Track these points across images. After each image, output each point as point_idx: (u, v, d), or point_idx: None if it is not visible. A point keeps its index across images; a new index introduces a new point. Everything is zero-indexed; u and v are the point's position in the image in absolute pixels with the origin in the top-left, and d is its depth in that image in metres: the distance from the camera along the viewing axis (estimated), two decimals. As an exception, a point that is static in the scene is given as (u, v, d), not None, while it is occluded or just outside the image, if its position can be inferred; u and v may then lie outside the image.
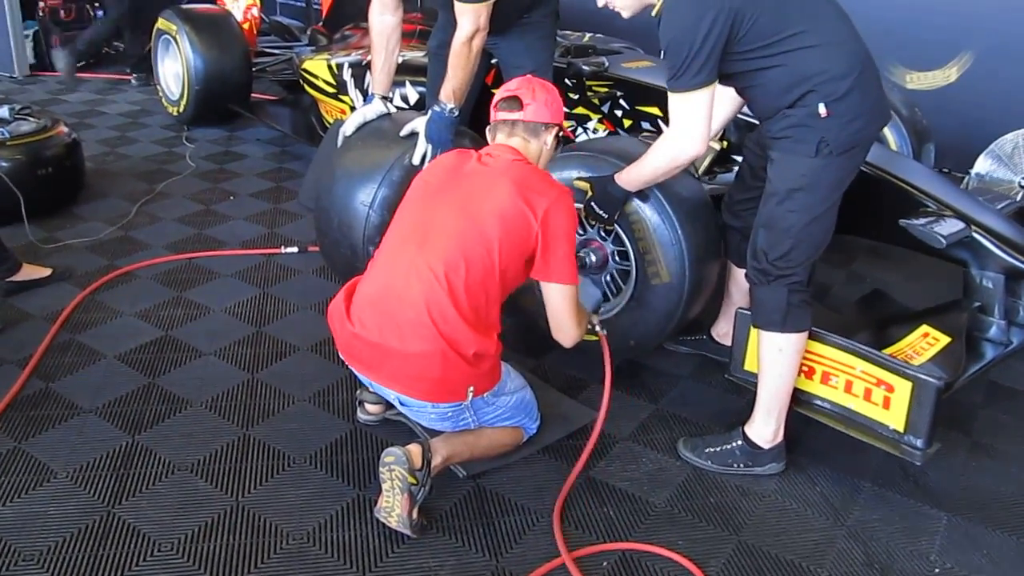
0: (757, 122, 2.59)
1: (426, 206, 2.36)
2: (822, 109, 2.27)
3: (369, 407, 2.64)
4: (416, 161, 2.93)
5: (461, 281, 2.20)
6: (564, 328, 2.41)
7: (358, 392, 2.66)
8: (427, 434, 2.46)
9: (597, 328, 2.63)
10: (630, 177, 2.57)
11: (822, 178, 2.34)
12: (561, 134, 2.52)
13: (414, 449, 2.19)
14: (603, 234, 2.86)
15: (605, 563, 2.18)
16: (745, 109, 2.74)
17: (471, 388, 2.26)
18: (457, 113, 2.96)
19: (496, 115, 2.44)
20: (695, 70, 2.23)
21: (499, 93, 2.46)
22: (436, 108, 2.95)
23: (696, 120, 2.31)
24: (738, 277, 2.86)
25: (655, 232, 2.68)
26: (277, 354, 3.00)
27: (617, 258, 2.84)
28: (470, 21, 2.91)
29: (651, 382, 2.95)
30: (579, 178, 2.72)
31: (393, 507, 2.16)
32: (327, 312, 2.41)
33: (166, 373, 2.88)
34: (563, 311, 2.37)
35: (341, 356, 2.39)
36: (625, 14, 2.47)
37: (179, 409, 2.69)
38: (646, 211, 2.68)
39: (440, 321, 2.18)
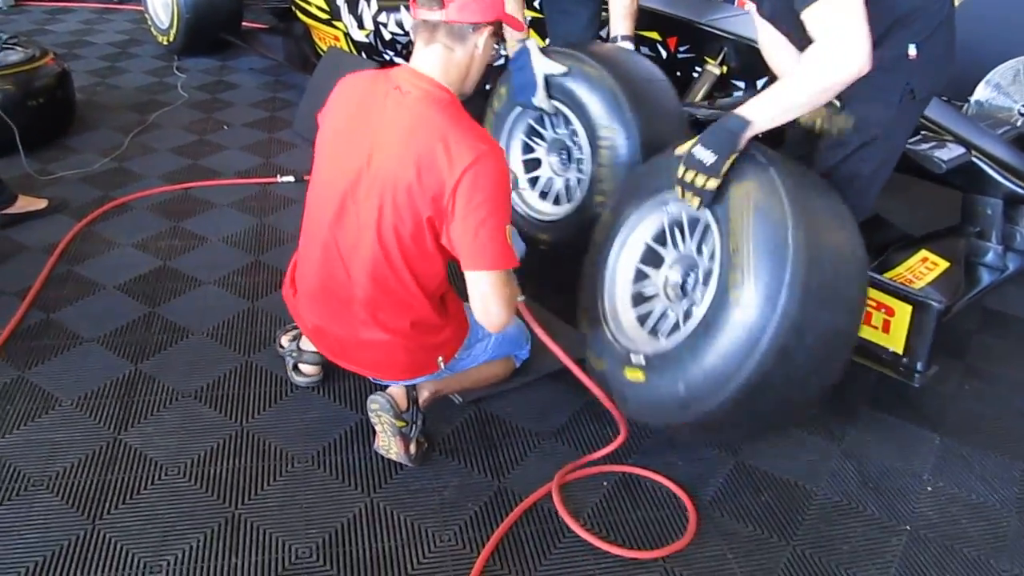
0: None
1: (340, 162, 2.06)
2: (912, 50, 2.06)
3: (304, 368, 2.50)
4: None
5: (407, 254, 2.01)
6: (492, 313, 2.02)
7: (292, 350, 2.52)
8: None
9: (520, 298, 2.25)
10: (762, 105, 1.95)
11: (900, 127, 2.20)
12: (502, 29, 2.16)
13: (397, 392, 2.18)
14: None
15: (605, 483, 2.22)
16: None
17: (440, 358, 2.23)
18: None
19: (415, 12, 1.99)
20: None
21: None
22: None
23: (857, 25, 1.85)
24: None
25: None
26: (275, 283, 3.00)
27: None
28: None
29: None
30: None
31: (390, 446, 2.19)
32: (283, 284, 2.39)
33: (166, 303, 2.88)
34: (495, 299, 2.00)
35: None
36: None
37: (181, 338, 2.71)
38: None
39: (382, 316, 2.09)
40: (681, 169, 2.00)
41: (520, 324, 2.47)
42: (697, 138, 2.00)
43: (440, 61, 2.00)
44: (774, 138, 2.90)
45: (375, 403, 2.17)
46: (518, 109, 2.94)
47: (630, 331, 2.27)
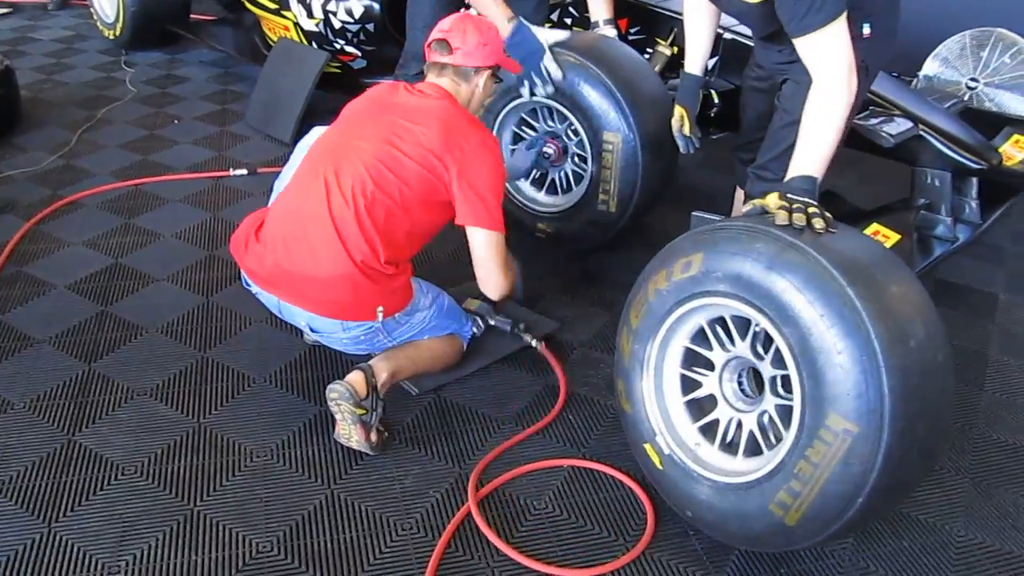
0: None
1: (348, 132, 2.33)
2: (866, 29, 2.15)
3: None
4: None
5: (372, 203, 2.19)
6: (491, 276, 2.38)
7: None
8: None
9: (532, 343, 2.59)
10: (817, 163, 2.00)
11: (854, 102, 2.28)
12: (499, 72, 2.47)
13: (356, 379, 2.19)
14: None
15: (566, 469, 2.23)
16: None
17: (380, 308, 2.25)
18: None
19: (429, 56, 2.39)
20: None
21: (433, 33, 2.38)
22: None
23: (849, 51, 2.00)
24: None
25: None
26: (231, 277, 2.97)
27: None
28: None
29: (607, 292, 2.97)
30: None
31: (351, 434, 2.19)
32: (232, 237, 2.38)
33: (119, 300, 2.84)
34: (491, 259, 2.34)
35: (248, 281, 2.35)
36: None
37: (134, 335, 2.67)
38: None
39: (350, 242, 2.17)
40: (785, 215, 1.82)
41: (454, 303, 2.50)
42: (780, 195, 1.91)
43: (449, 89, 2.36)
44: (732, 122, 2.94)
45: (334, 391, 2.16)
46: (509, 104, 2.96)
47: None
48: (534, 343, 2.58)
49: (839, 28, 1.98)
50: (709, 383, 2.03)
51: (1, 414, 2.32)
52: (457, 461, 2.23)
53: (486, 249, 2.33)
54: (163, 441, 2.25)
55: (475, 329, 2.56)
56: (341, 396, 2.15)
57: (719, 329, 1.97)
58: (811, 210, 1.82)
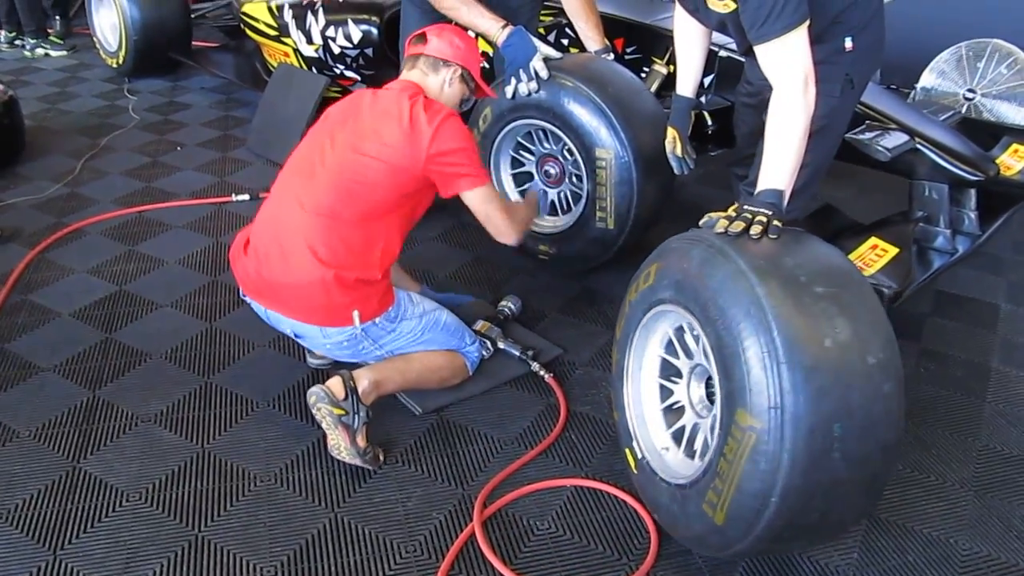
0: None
1: (319, 141, 2.39)
2: (848, 43, 2.18)
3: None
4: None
5: (346, 210, 2.27)
6: (499, 226, 2.46)
7: None
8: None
9: (541, 373, 2.60)
10: (781, 175, 2.02)
11: (841, 116, 2.30)
12: (472, 86, 2.50)
13: (333, 382, 2.22)
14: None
15: (569, 486, 2.24)
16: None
17: (356, 312, 2.29)
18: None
19: (407, 49, 2.49)
20: (795, 2, 1.97)
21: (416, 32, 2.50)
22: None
23: (808, 61, 2.00)
24: None
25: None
26: (234, 302, 2.98)
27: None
28: None
29: (608, 309, 2.98)
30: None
31: (338, 442, 2.20)
32: (230, 251, 2.47)
33: (123, 327, 2.86)
34: (490, 210, 2.43)
35: (243, 294, 2.44)
36: None
37: (139, 362, 2.68)
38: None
39: (319, 249, 2.24)
40: (724, 223, 1.89)
41: (455, 320, 2.51)
42: (736, 206, 1.98)
43: (418, 80, 2.43)
44: (730, 138, 2.96)
45: (312, 396, 2.20)
46: (504, 129, 2.98)
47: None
48: (542, 372, 2.59)
49: (797, 38, 2.00)
50: (679, 391, 2.08)
51: (7, 443, 2.33)
52: (460, 482, 2.23)
53: (483, 204, 2.41)
54: (167, 467, 2.26)
55: (484, 352, 2.57)
56: (319, 399, 2.19)
57: (685, 337, 2.02)
58: (759, 219, 1.87)
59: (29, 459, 2.28)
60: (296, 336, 2.42)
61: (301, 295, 2.27)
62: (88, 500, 2.15)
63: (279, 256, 2.29)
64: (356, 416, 2.21)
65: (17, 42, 5.95)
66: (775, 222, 1.89)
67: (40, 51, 5.84)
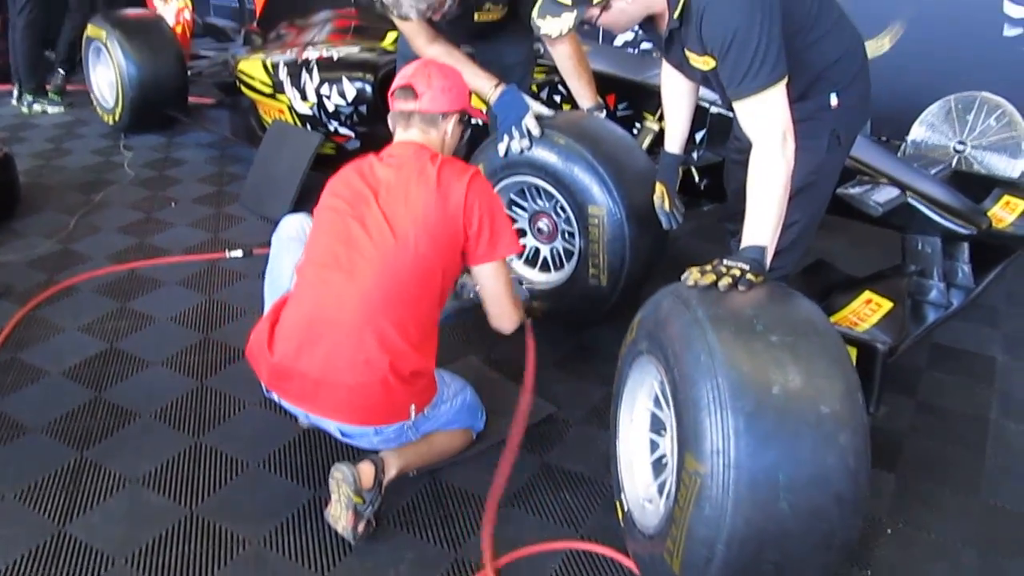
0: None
1: (345, 225, 2.23)
2: (833, 99, 2.21)
3: None
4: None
5: (401, 304, 2.15)
6: (506, 308, 2.38)
7: None
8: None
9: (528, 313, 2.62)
10: (764, 232, 2.02)
11: (829, 172, 2.32)
12: (468, 118, 2.44)
13: (365, 469, 2.15)
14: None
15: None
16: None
17: (413, 406, 2.21)
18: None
19: (393, 105, 2.34)
20: (772, 60, 1.98)
21: (396, 81, 2.36)
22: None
23: (786, 117, 2.02)
24: None
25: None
26: (225, 359, 2.96)
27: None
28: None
29: (602, 365, 2.95)
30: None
31: (340, 517, 2.14)
32: (247, 347, 2.33)
33: (113, 386, 2.83)
34: (502, 289, 2.35)
35: (268, 391, 2.31)
36: (617, 30, 2.29)
37: (128, 421, 2.65)
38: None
39: (378, 345, 2.12)
40: (696, 276, 1.92)
41: (475, 398, 2.47)
42: (715, 261, 1.99)
43: (418, 140, 2.31)
44: (719, 194, 2.97)
45: (339, 472, 2.13)
46: (497, 185, 2.97)
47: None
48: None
49: (774, 95, 2.01)
50: (664, 444, 2.06)
51: (-9, 506, 2.30)
52: (453, 546, 2.19)
53: (499, 280, 2.33)
54: (155, 531, 2.22)
55: (471, 294, 2.57)
56: (344, 479, 2.12)
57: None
58: (732, 272, 1.90)
59: (14, 522, 2.24)
60: (343, 435, 2.29)
61: (358, 396, 2.14)
62: (73, 566, 2.10)
63: (329, 357, 2.13)
64: (370, 507, 2.16)
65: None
66: (748, 276, 1.90)
67: (37, 107, 5.88)
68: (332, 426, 2.25)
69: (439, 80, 2.31)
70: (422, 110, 2.30)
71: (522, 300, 2.60)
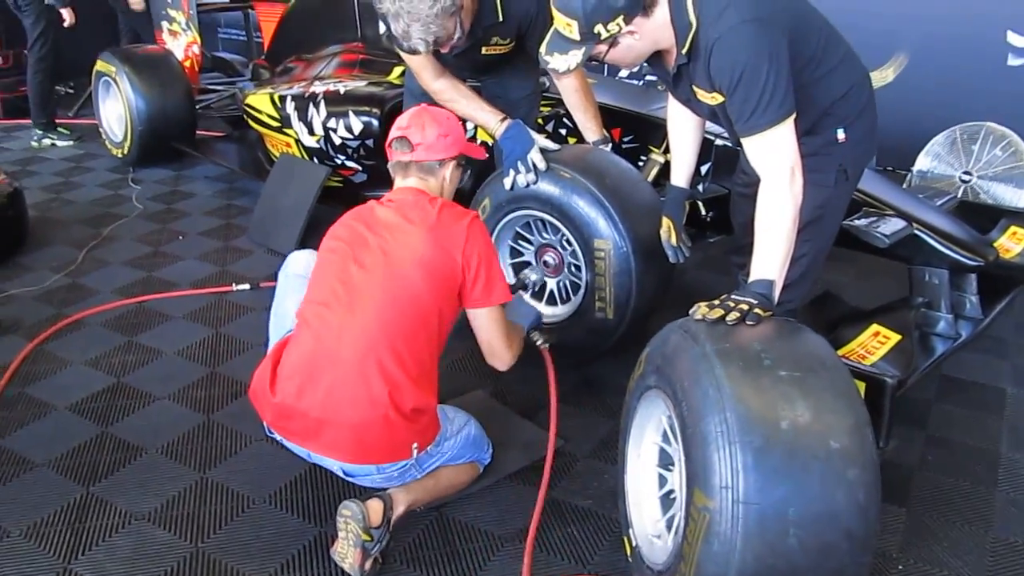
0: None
1: (343, 266, 2.25)
2: (840, 134, 2.22)
3: None
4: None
5: (398, 336, 2.15)
6: (499, 350, 2.39)
7: None
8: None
9: (539, 343, 2.67)
10: (772, 266, 2.02)
11: (836, 205, 2.32)
12: (466, 160, 2.46)
13: (374, 506, 2.15)
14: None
15: (572, 584, 2.18)
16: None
17: (415, 444, 2.19)
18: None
19: (390, 155, 2.39)
20: (780, 97, 1.99)
21: (392, 131, 2.38)
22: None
23: (794, 153, 2.03)
24: None
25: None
26: (232, 394, 2.96)
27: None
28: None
29: (610, 398, 2.95)
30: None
31: (347, 555, 2.13)
32: (250, 388, 2.31)
33: (119, 421, 2.82)
34: (497, 334, 2.35)
35: (271, 431, 2.30)
36: (625, 66, 2.30)
37: (134, 457, 2.64)
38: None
39: (379, 382, 2.11)
40: (704, 311, 1.92)
41: (480, 431, 2.46)
42: (723, 296, 1.99)
43: (418, 187, 2.35)
44: (725, 226, 2.98)
45: (348, 509, 2.12)
46: (503, 219, 2.99)
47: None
48: (539, 342, 2.68)
49: (783, 131, 2.02)
50: (673, 479, 2.05)
51: (-3, 543, 2.29)
52: (459, 582, 2.18)
53: (493, 325, 2.34)
54: (159, 568, 2.21)
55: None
56: (353, 516, 2.11)
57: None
58: (739, 306, 1.90)
59: (19, 561, 2.23)
60: (346, 475, 2.29)
61: (358, 435, 2.13)
62: (78, 604, 2.10)
63: (330, 395, 2.12)
64: (379, 544, 2.15)
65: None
66: (756, 310, 1.90)
67: (47, 142, 5.93)
68: (335, 465, 2.24)
69: (433, 128, 2.34)
70: (418, 160, 2.34)
71: (527, 332, 2.62)
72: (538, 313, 2.73)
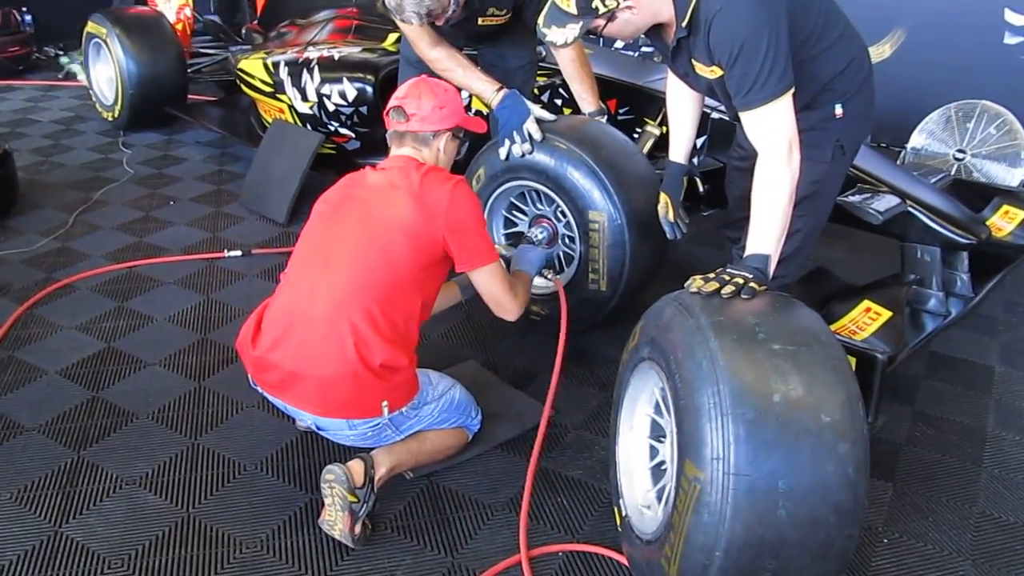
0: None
1: (327, 226, 2.32)
2: (838, 109, 2.22)
3: None
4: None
5: (370, 295, 2.17)
6: (503, 304, 2.42)
7: None
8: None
9: (548, 276, 2.80)
10: (767, 241, 2.04)
11: (832, 181, 2.33)
12: (463, 133, 2.47)
13: (355, 467, 2.16)
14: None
15: (560, 552, 2.20)
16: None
17: (385, 403, 2.20)
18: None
19: (387, 124, 2.42)
20: (780, 71, 1.99)
21: (391, 100, 2.41)
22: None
23: (792, 128, 2.03)
24: None
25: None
26: (223, 360, 2.96)
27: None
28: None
29: (601, 370, 2.96)
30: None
31: (336, 521, 2.14)
32: (236, 340, 2.34)
33: (110, 386, 2.82)
34: (497, 289, 2.39)
35: (254, 383, 2.33)
36: (623, 39, 2.34)
37: (125, 422, 2.64)
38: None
39: (348, 337, 2.14)
40: (699, 283, 1.93)
41: (467, 396, 2.46)
42: (719, 269, 1.99)
43: (412, 155, 2.37)
44: (719, 200, 2.97)
45: (331, 473, 2.14)
46: (497, 189, 2.98)
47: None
48: (549, 275, 2.82)
49: (781, 106, 2.02)
50: (664, 450, 2.06)
51: (-13, 506, 2.29)
52: (449, 550, 2.19)
53: (492, 282, 2.37)
54: (151, 533, 2.21)
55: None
56: (337, 479, 2.12)
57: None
58: (735, 280, 1.91)
59: (10, 523, 2.24)
60: (318, 428, 2.32)
61: (327, 388, 2.16)
62: (69, 567, 2.10)
63: (300, 349, 2.17)
64: (365, 505, 2.16)
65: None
66: (751, 284, 1.91)
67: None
68: (308, 419, 2.27)
69: (430, 100, 2.36)
70: (412, 130, 2.37)
71: (536, 274, 2.73)
72: (546, 254, 2.79)
